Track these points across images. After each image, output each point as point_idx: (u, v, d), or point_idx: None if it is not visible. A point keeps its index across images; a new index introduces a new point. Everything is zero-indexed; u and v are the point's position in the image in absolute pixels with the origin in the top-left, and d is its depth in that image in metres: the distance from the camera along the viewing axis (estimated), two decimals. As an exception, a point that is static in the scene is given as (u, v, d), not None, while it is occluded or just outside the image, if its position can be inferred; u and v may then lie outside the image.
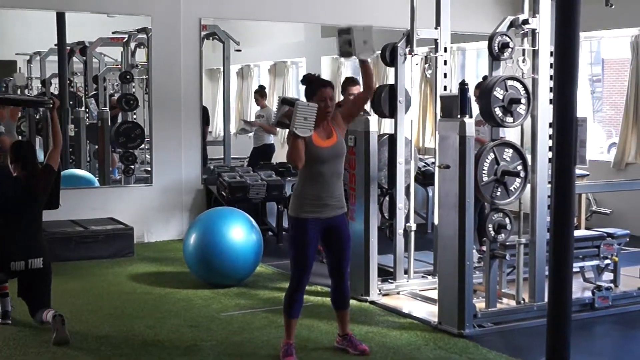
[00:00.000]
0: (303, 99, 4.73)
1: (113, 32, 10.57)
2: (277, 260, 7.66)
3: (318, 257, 5.92)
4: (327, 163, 4.76)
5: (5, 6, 8.88)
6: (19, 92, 11.40)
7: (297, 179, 4.86)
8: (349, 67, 13.19)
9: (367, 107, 6.27)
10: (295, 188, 4.88)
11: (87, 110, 11.08)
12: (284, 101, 4.65)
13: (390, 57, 6.53)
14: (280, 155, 11.30)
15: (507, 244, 5.71)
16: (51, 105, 5.72)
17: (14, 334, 5.40)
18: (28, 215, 5.50)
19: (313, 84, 4.81)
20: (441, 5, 6.52)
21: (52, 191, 5.68)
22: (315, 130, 4.65)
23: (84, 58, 11.12)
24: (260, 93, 11.38)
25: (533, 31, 5.68)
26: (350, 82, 7.82)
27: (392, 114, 6.53)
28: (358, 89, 7.54)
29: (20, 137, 10.69)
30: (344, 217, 4.94)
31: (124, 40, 10.68)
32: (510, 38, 5.55)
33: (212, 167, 9.98)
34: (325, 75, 12.89)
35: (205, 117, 10.56)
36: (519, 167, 5.56)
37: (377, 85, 6.41)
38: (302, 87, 4.86)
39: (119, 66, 11.09)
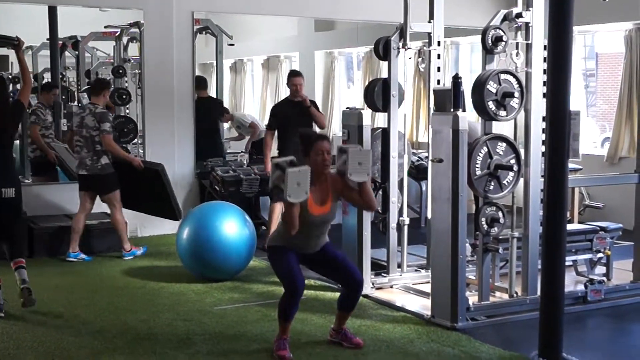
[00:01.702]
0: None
1: (105, 27, 10.54)
2: (270, 255, 7.65)
3: (336, 285, 5.99)
4: (315, 227, 4.85)
5: (-3, 0, 8.85)
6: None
7: (283, 223, 4.87)
8: (342, 62, 13.19)
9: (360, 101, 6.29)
10: (281, 226, 4.90)
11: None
12: (277, 166, 4.67)
13: (383, 51, 6.52)
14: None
15: (500, 237, 5.72)
16: (16, 43, 5.94)
17: (7, 328, 5.39)
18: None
19: (309, 139, 4.85)
20: (434, -1, 6.52)
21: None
22: (312, 187, 4.65)
23: (76, 52, 11.09)
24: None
25: (527, 25, 5.68)
26: (292, 74, 8.03)
27: (386, 108, 6.53)
28: (300, 81, 7.80)
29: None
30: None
31: (117, 35, 10.65)
32: (503, 32, 5.56)
33: (204, 162, 9.96)
34: (319, 69, 12.91)
35: (220, 108, 10.41)
36: (512, 161, 5.57)
37: (372, 78, 6.39)
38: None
39: (112, 60, 11.07)
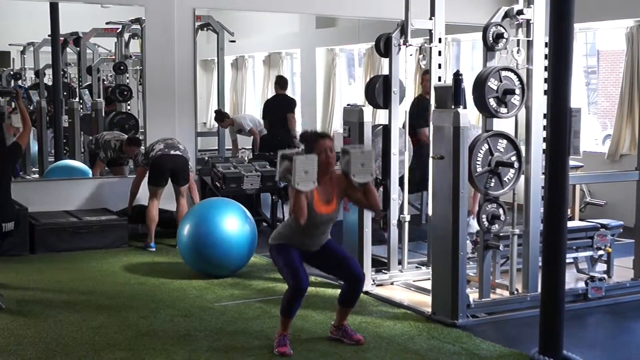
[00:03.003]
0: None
1: (107, 23, 10.55)
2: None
3: (337, 281, 6.02)
4: (320, 226, 4.87)
5: (-1, -4, 8.86)
6: (12, 82, 11.40)
7: (288, 220, 4.89)
8: (343, 58, 13.19)
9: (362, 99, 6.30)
10: (284, 225, 4.93)
11: (81, 101, 11.05)
12: (283, 156, 4.67)
13: (384, 47, 6.51)
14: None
15: (501, 234, 5.72)
16: (14, 95, 6.65)
17: (8, 324, 5.40)
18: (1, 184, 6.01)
19: (311, 138, 4.85)
20: (436, -5, 6.51)
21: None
22: (318, 186, 4.68)
23: (78, 49, 11.11)
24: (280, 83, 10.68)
25: (528, 22, 5.67)
26: (278, 79, 8.39)
27: (386, 104, 6.52)
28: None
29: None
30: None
31: (118, 31, 10.66)
32: (504, 28, 5.55)
33: (206, 158, 9.98)
34: (320, 66, 12.91)
35: (291, 105, 10.29)
36: (513, 158, 5.57)
37: (372, 75, 6.38)
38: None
39: (113, 57, 11.08)
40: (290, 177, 4.57)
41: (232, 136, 11.16)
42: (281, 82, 10.37)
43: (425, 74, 7.49)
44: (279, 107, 10.16)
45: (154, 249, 7.91)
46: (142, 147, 8.57)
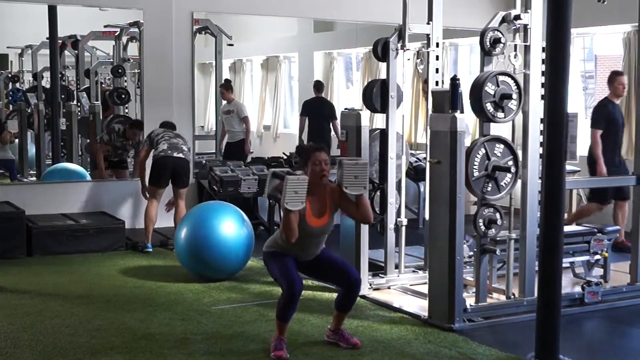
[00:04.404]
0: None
1: (105, 26, 10.55)
2: (268, 255, 7.65)
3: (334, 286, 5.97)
4: (313, 238, 4.88)
5: (-3, -1, 8.86)
6: (10, 85, 11.39)
7: (280, 234, 4.87)
8: (341, 62, 13.20)
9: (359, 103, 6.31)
10: (278, 235, 4.91)
11: (78, 104, 11.05)
12: (274, 175, 4.72)
13: (382, 52, 6.53)
14: (274, 151, 11.31)
15: (498, 239, 5.72)
16: None
17: (4, 327, 5.39)
18: None
19: (307, 150, 4.88)
20: (433, 0, 6.52)
21: None
22: (310, 197, 4.71)
23: (76, 52, 11.11)
24: (226, 87, 11.05)
25: (525, 27, 5.68)
26: (316, 82, 8.80)
27: (384, 109, 6.53)
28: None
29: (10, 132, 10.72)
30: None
31: (116, 34, 10.66)
32: (502, 33, 5.56)
33: (203, 161, 9.97)
34: (318, 70, 12.91)
35: (331, 108, 11.39)
36: (510, 163, 5.57)
37: (370, 79, 6.40)
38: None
39: (111, 60, 11.08)
40: (279, 196, 4.61)
41: (224, 116, 11.03)
42: (318, 86, 11.48)
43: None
44: (320, 108, 11.24)
45: (150, 250, 7.93)
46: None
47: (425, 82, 6.74)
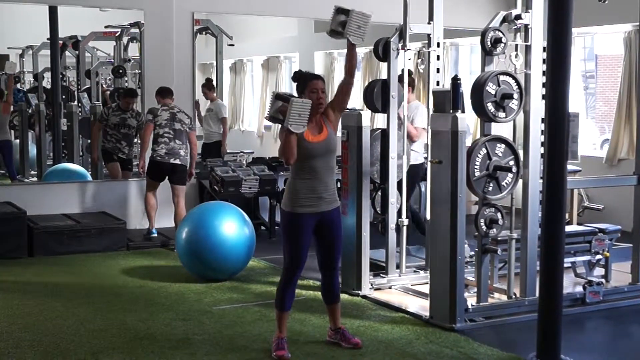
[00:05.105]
0: (295, 94, 4.78)
1: (105, 26, 10.57)
2: (269, 255, 7.67)
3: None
4: (319, 158, 4.79)
5: (-2, 0, 8.87)
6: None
7: (290, 174, 4.87)
8: (342, 63, 13.18)
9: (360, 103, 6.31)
10: (288, 183, 4.89)
11: (79, 104, 11.06)
12: (278, 97, 4.69)
13: (383, 52, 6.53)
14: (274, 151, 11.30)
15: (499, 239, 5.72)
16: None
17: (5, 327, 5.39)
18: None
19: (304, 77, 4.86)
20: (434, 0, 6.52)
21: None
22: (308, 124, 4.67)
23: (77, 52, 11.12)
24: (208, 86, 10.99)
25: (526, 26, 5.68)
26: None
27: (385, 109, 6.53)
28: None
29: (12, 131, 10.72)
30: (338, 210, 4.96)
31: (117, 35, 10.68)
32: (503, 33, 5.56)
33: (204, 162, 9.98)
34: (319, 70, 12.91)
35: None
36: (511, 162, 5.57)
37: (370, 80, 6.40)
38: (294, 84, 4.90)
39: (112, 60, 11.09)
40: (282, 118, 4.59)
41: (204, 113, 10.91)
42: None
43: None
44: None
45: (155, 235, 8.17)
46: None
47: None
